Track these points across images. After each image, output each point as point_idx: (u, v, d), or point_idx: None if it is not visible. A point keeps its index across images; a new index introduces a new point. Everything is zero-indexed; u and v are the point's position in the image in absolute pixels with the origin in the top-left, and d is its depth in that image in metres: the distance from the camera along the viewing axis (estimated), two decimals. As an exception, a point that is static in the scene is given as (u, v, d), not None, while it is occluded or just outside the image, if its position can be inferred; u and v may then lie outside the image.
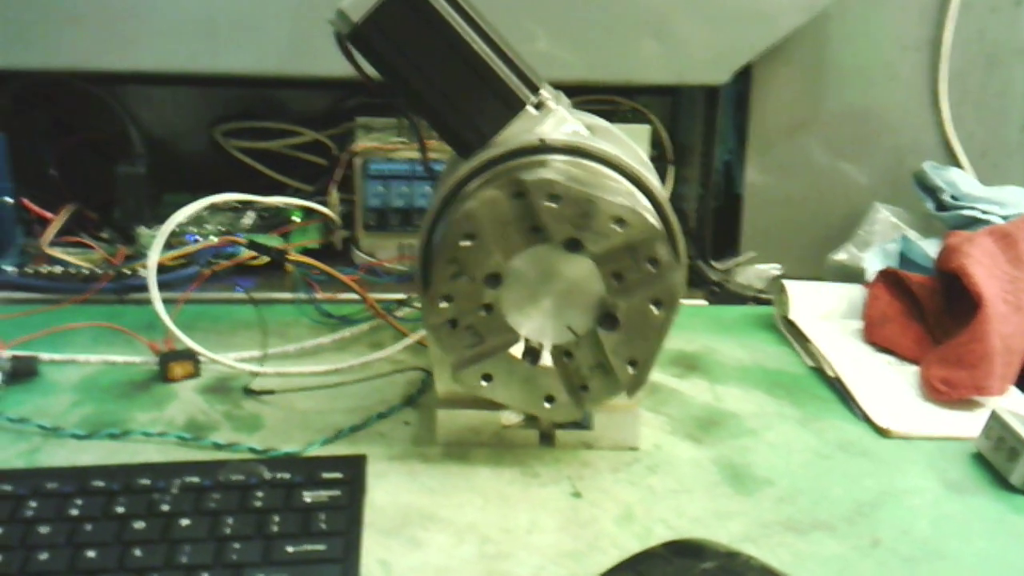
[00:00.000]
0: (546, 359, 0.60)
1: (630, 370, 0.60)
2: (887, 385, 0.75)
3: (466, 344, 0.59)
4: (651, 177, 0.60)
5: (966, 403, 0.72)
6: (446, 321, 0.59)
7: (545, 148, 0.58)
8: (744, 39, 0.90)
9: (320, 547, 0.53)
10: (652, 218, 0.57)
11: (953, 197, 0.91)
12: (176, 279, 0.86)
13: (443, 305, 0.58)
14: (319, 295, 0.87)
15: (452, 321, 0.59)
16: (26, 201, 0.93)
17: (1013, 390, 0.74)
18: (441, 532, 0.56)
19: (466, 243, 0.57)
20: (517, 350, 0.60)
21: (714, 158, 0.98)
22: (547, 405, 0.61)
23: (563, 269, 0.59)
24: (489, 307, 0.59)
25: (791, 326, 0.84)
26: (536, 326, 0.60)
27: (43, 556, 0.51)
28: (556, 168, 0.57)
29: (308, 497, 0.56)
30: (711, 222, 1.00)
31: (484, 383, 0.60)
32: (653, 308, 0.58)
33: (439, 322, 0.59)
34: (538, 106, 0.60)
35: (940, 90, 0.98)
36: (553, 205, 0.56)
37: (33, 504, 0.55)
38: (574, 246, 0.58)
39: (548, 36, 0.88)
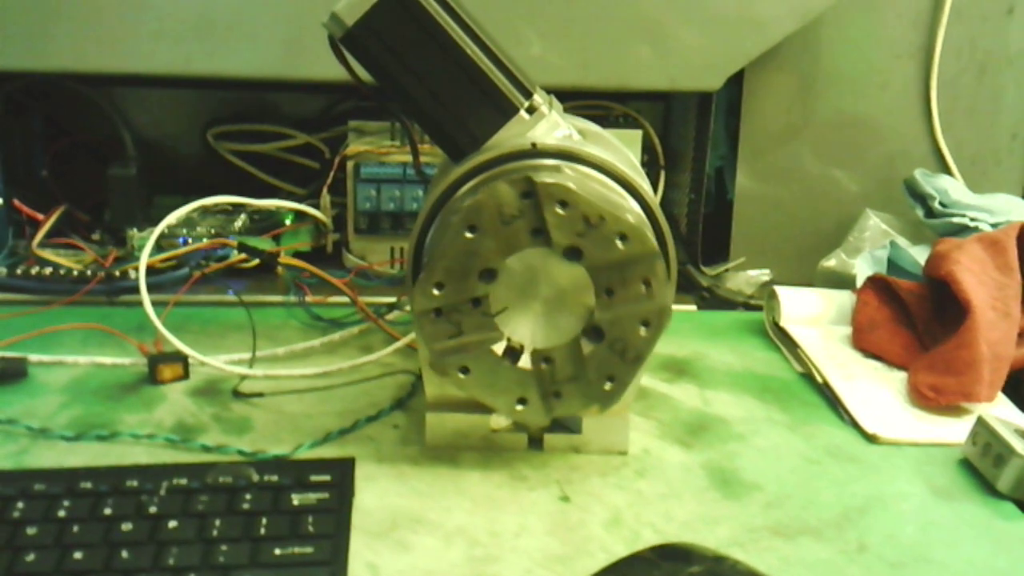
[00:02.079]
0: (525, 361, 0.60)
1: (607, 385, 0.60)
2: (875, 391, 0.75)
3: (447, 334, 0.59)
4: (642, 182, 0.61)
5: (954, 409, 0.72)
6: (433, 309, 0.58)
7: (537, 152, 0.58)
8: (737, 45, 0.90)
9: (308, 550, 0.53)
10: (654, 238, 0.57)
11: (943, 204, 0.92)
12: (166, 281, 0.86)
13: (435, 292, 0.58)
14: (309, 298, 0.87)
15: (438, 310, 0.58)
16: (17, 202, 0.93)
17: (1000, 396, 0.74)
18: (429, 535, 0.56)
19: (468, 234, 0.57)
20: (499, 347, 0.60)
21: (706, 164, 0.98)
22: (518, 407, 0.61)
23: (556, 275, 0.59)
24: (478, 301, 0.58)
25: (781, 332, 0.84)
26: (520, 327, 0.60)
27: (30, 557, 0.51)
28: (569, 175, 0.57)
29: (296, 500, 0.56)
30: (702, 227, 1.00)
31: (461, 374, 0.60)
32: (641, 328, 0.58)
33: (427, 308, 0.58)
34: (531, 110, 0.60)
35: (931, 98, 0.98)
36: (561, 212, 0.56)
37: (21, 505, 0.55)
38: (574, 255, 0.58)
39: (541, 41, 0.88)
